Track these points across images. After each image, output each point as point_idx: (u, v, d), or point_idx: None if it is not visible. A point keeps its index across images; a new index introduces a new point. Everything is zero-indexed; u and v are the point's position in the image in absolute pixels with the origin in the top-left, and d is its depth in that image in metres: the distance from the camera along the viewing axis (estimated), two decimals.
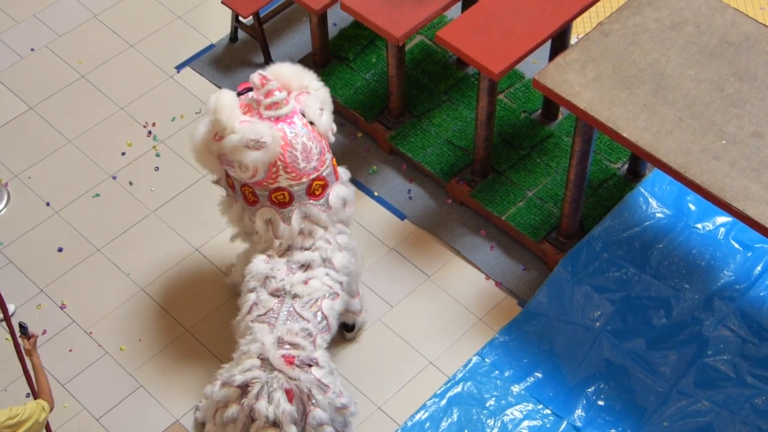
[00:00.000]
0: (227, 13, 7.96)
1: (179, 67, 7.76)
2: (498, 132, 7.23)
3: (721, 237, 6.75)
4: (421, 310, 6.69)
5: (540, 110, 7.35)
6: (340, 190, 5.99)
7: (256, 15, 7.57)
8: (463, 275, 6.80)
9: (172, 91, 7.63)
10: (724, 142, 5.74)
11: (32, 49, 7.86)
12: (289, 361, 5.53)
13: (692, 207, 6.85)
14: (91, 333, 6.58)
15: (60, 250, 6.90)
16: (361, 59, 7.64)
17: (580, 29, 7.79)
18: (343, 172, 6.11)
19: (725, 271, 6.62)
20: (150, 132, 7.40)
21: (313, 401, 5.55)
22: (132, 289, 6.75)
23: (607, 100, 5.91)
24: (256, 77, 5.77)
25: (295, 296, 5.76)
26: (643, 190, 6.90)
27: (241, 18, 7.68)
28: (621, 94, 5.92)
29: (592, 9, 7.81)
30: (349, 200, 6.07)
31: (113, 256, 6.89)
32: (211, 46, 7.89)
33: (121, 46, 7.87)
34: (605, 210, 6.90)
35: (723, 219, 6.79)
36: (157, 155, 7.30)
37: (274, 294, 5.77)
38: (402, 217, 7.07)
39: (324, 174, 5.85)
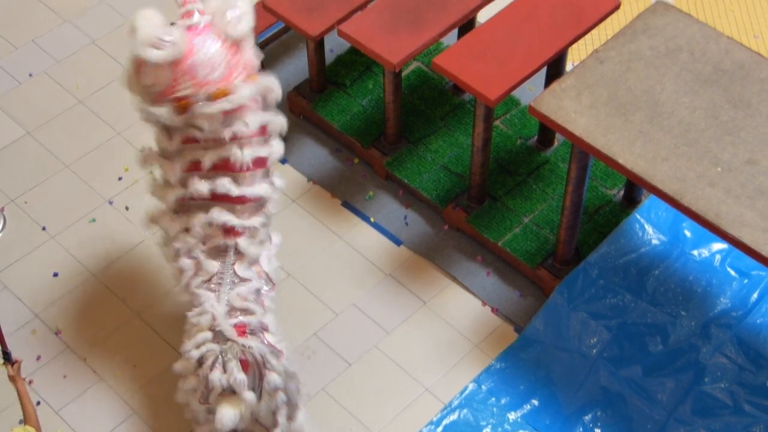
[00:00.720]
0: None
1: None
2: (494, 158, 7.23)
3: (717, 264, 6.75)
4: (417, 336, 6.67)
5: (536, 137, 7.37)
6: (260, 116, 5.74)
7: None
8: (459, 301, 6.80)
9: None
10: (719, 169, 5.75)
11: (30, 75, 7.88)
12: (242, 330, 5.53)
13: (688, 234, 6.85)
14: (85, 359, 6.56)
15: (55, 275, 6.89)
16: (357, 85, 7.66)
17: (575, 56, 7.82)
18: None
19: (722, 298, 6.61)
20: None
21: (268, 366, 5.53)
22: (127, 315, 6.73)
23: (603, 127, 5.92)
24: None
25: (237, 254, 5.71)
26: (639, 217, 6.90)
27: None
28: (616, 121, 5.93)
29: (588, 36, 7.84)
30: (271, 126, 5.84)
31: (109, 281, 6.88)
32: None
33: (119, 71, 7.86)
34: (601, 236, 6.90)
35: (719, 246, 6.79)
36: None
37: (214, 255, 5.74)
38: (398, 242, 7.07)
39: (227, 87, 5.57)
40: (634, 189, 6.99)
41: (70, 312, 6.75)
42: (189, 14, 5.62)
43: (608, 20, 7.70)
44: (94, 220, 7.11)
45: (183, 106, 5.58)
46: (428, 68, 7.72)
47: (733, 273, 6.71)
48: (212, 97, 5.55)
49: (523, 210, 7.03)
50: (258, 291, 5.72)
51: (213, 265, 5.70)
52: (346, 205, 7.23)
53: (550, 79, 7.06)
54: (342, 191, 7.30)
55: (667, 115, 5.95)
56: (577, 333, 6.53)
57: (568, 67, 7.58)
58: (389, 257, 6.99)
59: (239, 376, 5.44)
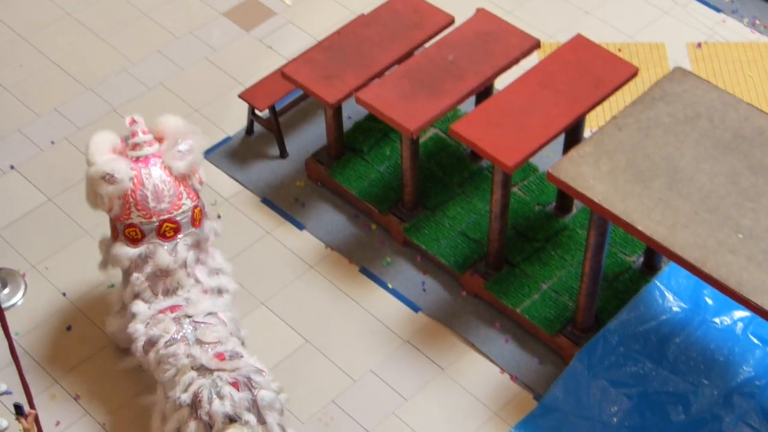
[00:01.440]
0: (243, 107, 8.03)
1: None
2: (512, 224, 7.22)
3: (740, 332, 6.69)
4: (435, 403, 6.62)
5: (554, 203, 7.36)
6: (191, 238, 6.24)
7: (271, 108, 7.65)
8: (477, 368, 6.75)
9: None
10: (740, 235, 5.72)
11: (52, 142, 7.94)
12: (221, 357, 5.75)
13: (709, 301, 6.80)
14: (104, 425, 6.53)
15: (74, 338, 6.88)
16: (375, 152, 7.68)
17: (593, 123, 7.83)
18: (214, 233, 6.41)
19: (744, 367, 6.54)
20: None
21: (255, 384, 5.66)
22: (146, 382, 6.70)
23: (622, 194, 5.91)
24: (127, 119, 6.18)
25: (187, 316, 6.06)
26: (659, 284, 6.86)
27: (257, 111, 7.76)
28: (635, 188, 5.92)
29: (606, 103, 7.86)
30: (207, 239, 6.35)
31: (128, 348, 6.86)
32: (228, 139, 7.95)
33: None
34: (621, 303, 6.85)
35: (741, 313, 6.73)
36: None
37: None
38: (416, 309, 7.04)
39: (177, 218, 6.11)
40: (654, 256, 6.96)
41: (89, 377, 6.73)
42: (134, 134, 6.13)
43: (626, 87, 7.72)
44: (112, 286, 7.12)
45: (133, 238, 6.11)
46: (446, 135, 7.74)
47: (755, 341, 6.64)
48: (158, 233, 6.07)
49: (541, 276, 7.00)
50: (221, 330, 6.00)
51: (171, 327, 6.01)
52: (364, 271, 7.22)
53: (568, 146, 7.06)
54: (360, 257, 7.29)
55: (687, 182, 5.93)
56: (598, 401, 6.47)
57: (587, 133, 7.59)
58: (407, 323, 6.96)
59: (238, 396, 5.57)
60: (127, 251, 6.15)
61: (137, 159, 6.07)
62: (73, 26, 8.72)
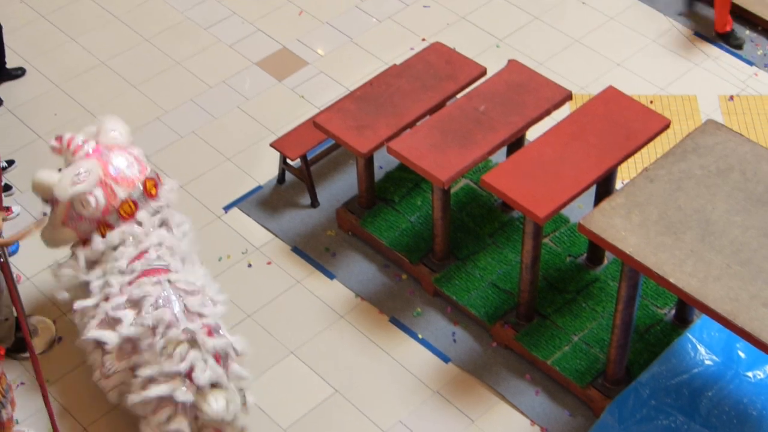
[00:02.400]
0: (275, 156, 8.08)
1: (227, 208, 7.86)
2: (543, 276, 7.20)
3: None
4: None
5: (585, 254, 7.33)
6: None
7: (303, 157, 7.69)
8: (508, 420, 6.70)
9: (219, 232, 7.71)
10: None
11: None
12: (210, 333, 6.02)
13: (742, 354, 6.74)
14: None
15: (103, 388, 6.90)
16: (406, 202, 7.69)
17: (625, 175, 7.82)
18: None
19: None
20: None
21: (231, 357, 6.09)
22: None
23: (653, 246, 5.88)
24: (54, 142, 6.44)
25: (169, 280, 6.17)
26: (691, 337, 6.81)
27: (288, 160, 7.80)
28: (667, 240, 5.90)
29: (638, 155, 7.84)
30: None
31: None
32: (259, 188, 7.99)
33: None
34: (652, 356, 6.80)
35: None
36: None
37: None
38: (446, 360, 7.01)
39: (152, 175, 6.44)
40: (686, 308, 6.91)
41: (119, 426, 6.72)
42: (78, 147, 6.32)
43: (658, 138, 7.71)
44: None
45: (130, 213, 6.31)
46: (477, 185, 7.75)
47: None
48: (146, 193, 6.36)
49: (572, 328, 6.96)
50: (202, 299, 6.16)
51: (154, 289, 6.12)
52: (394, 321, 7.21)
53: (599, 197, 7.05)
54: (390, 307, 7.28)
55: (719, 235, 5.90)
56: None
57: (618, 185, 7.57)
58: (437, 374, 6.93)
59: (219, 371, 6.00)
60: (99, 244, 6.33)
61: (86, 155, 6.31)
62: (107, 75, 8.81)
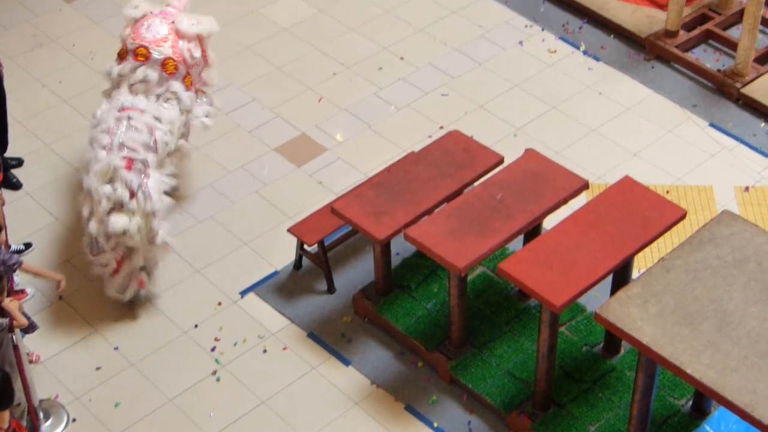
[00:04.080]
0: (292, 241, 8.11)
1: (243, 293, 7.87)
2: (559, 365, 7.16)
3: None
4: None
5: (602, 344, 7.30)
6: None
7: (320, 243, 7.71)
8: None
9: (236, 317, 7.71)
10: None
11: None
12: (129, 166, 7.34)
13: None
14: None
15: None
16: (422, 288, 7.70)
17: (641, 264, 7.82)
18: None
19: None
20: (215, 357, 7.45)
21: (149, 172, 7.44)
22: None
23: (670, 336, 5.86)
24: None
25: (130, 118, 7.59)
26: (708, 428, 6.74)
27: (306, 246, 7.83)
28: (684, 330, 5.88)
29: (654, 244, 7.84)
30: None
31: None
32: (276, 273, 8.01)
33: (188, 271, 8.02)
34: None
35: None
36: (218, 380, 7.32)
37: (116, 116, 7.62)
38: None
39: (151, 50, 7.79)
40: (703, 399, 6.86)
41: None
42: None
43: (674, 228, 7.72)
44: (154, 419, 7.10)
45: (121, 53, 7.97)
46: (494, 273, 7.75)
47: None
48: (134, 53, 7.84)
49: (589, 418, 6.91)
50: (146, 142, 7.51)
51: (111, 118, 7.59)
52: (409, 409, 7.17)
53: (616, 286, 7.04)
54: (405, 395, 7.24)
55: (736, 325, 5.88)
56: None
57: (634, 274, 7.57)
58: None
59: (128, 176, 7.29)
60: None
61: (162, 11, 8.04)
62: None
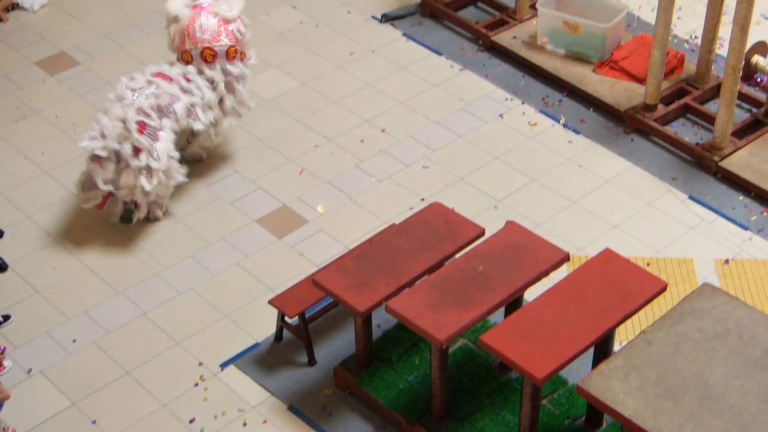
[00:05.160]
0: (273, 313, 8.08)
1: (223, 365, 7.82)
2: None
3: None
4: None
5: (584, 417, 7.27)
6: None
7: (301, 315, 7.69)
8: None
9: (216, 389, 7.65)
10: None
11: (78, 345, 7.96)
12: (141, 130, 8.29)
13: None
14: None
15: None
16: (404, 361, 7.67)
17: (623, 336, 7.81)
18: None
19: None
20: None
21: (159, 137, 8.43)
22: None
23: (652, 409, 5.85)
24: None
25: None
26: None
27: (286, 318, 7.80)
28: (666, 403, 5.87)
29: (635, 317, 7.85)
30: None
31: None
32: (256, 345, 7.97)
33: (168, 343, 7.97)
34: None
35: None
36: None
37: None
38: None
39: (215, 48, 8.79)
40: None
41: None
42: None
43: (655, 301, 7.74)
44: None
45: (187, 61, 8.87)
46: (475, 345, 7.73)
47: None
48: (201, 57, 8.77)
49: None
50: (169, 103, 8.52)
51: (141, 80, 8.59)
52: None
53: (597, 359, 7.03)
54: None
55: (718, 398, 5.88)
56: None
57: (616, 347, 7.56)
58: None
59: (127, 151, 8.29)
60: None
61: (195, 6, 8.79)
62: (106, 229, 8.88)
